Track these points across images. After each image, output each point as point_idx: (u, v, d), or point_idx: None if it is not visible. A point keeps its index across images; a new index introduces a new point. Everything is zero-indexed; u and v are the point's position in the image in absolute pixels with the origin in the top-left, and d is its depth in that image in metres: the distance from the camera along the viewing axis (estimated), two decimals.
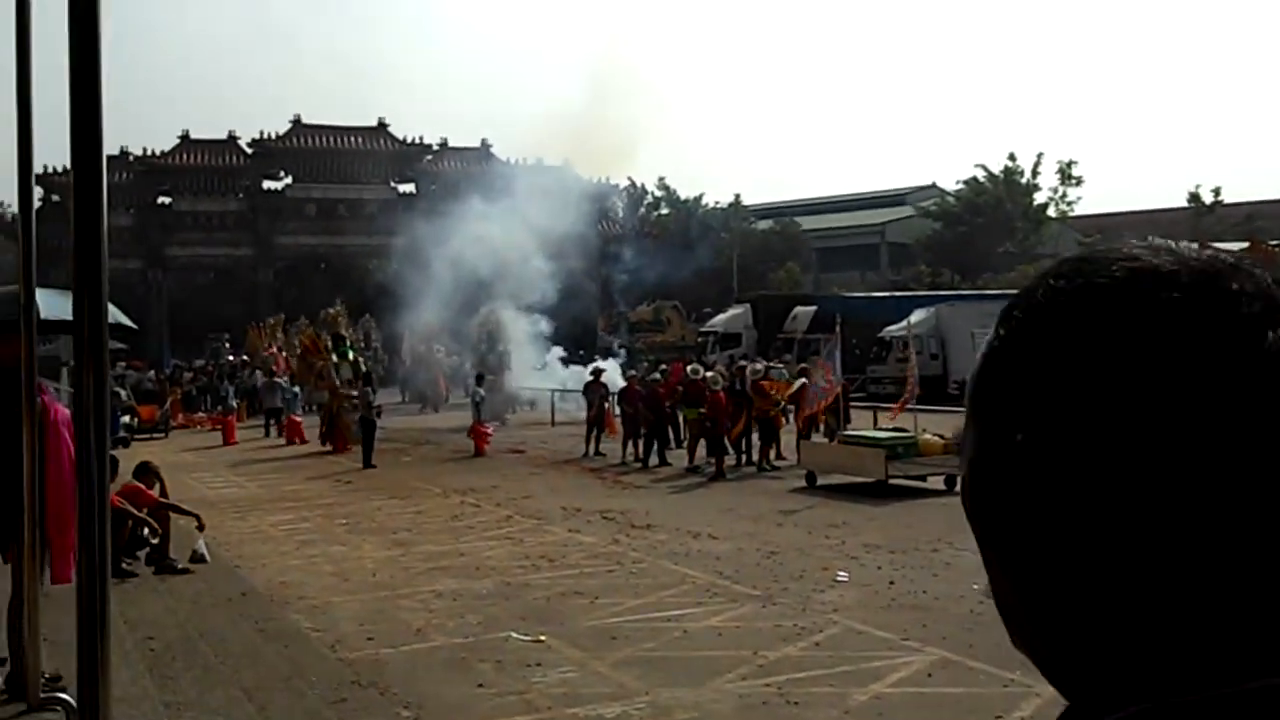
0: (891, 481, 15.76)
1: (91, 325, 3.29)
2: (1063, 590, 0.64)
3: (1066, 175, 53.89)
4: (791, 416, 20.23)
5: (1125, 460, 0.62)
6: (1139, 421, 0.61)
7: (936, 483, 16.15)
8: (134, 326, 7.64)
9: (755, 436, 19.36)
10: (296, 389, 28.18)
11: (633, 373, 24.96)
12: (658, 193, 60.93)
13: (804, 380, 20.33)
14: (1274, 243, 34.90)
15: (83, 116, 3.32)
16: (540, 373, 31.60)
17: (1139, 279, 0.63)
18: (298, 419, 26.24)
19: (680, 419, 20.94)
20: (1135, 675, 0.64)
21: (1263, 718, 0.61)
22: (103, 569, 3.47)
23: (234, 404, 28.60)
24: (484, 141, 52.47)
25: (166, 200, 49.03)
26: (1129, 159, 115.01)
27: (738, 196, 62.80)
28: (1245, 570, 0.62)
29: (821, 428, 20.04)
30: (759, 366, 22.03)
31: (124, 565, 10.65)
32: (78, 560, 3.35)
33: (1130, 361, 0.61)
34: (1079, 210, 55.45)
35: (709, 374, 20.55)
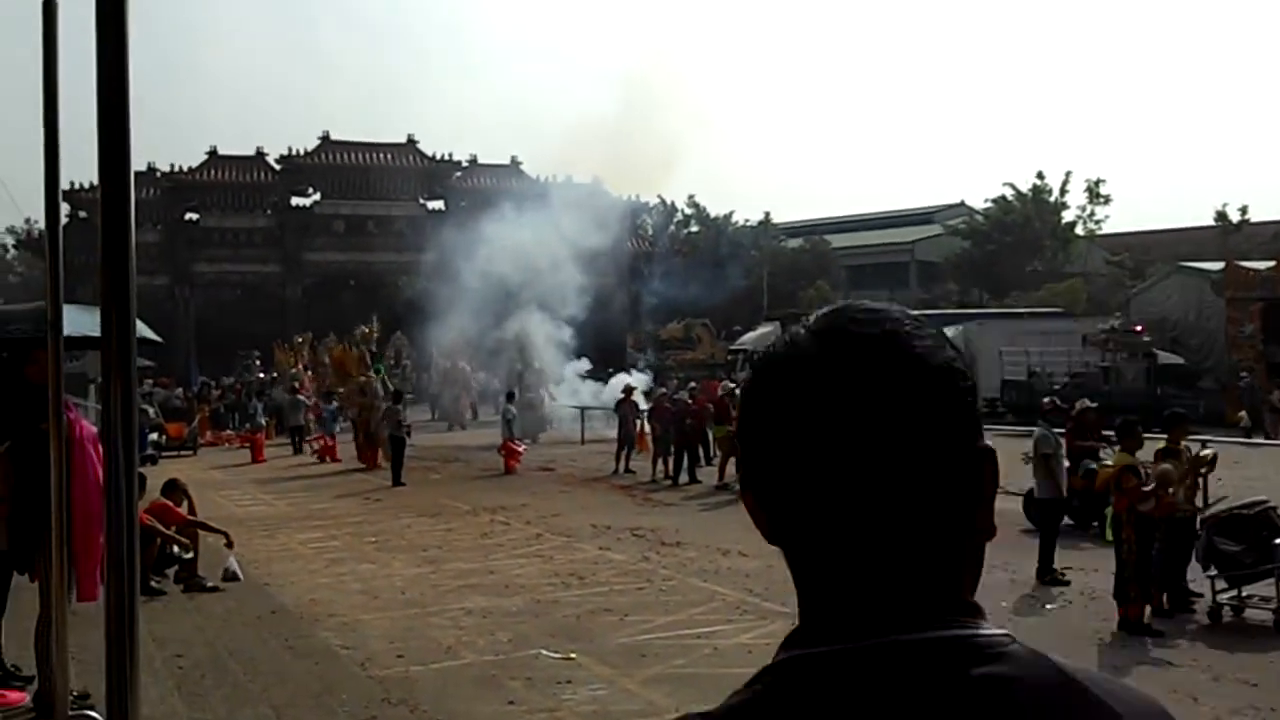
0: None
1: (119, 341, 3.25)
2: (787, 559, 0.95)
3: (1094, 194, 53.55)
4: None
5: (765, 455, 0.93)
6: (787, 442, 0.91)
7: None
8: (159, 340, 7.64)
9: None
10: (332, 407, 28.22)
11: (663, 390, 24.92)
12: (688, 210, 61.04)
13: None
14: None
15: (110, 132, 3.28)
16: (558, 387, 31.51)
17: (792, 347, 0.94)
18: (331, 439, 26.23)
19: (710, 436, 20.88)
20: (806, 627, 0.92)
21: (868, 668, 0.85)
22: (131, 587, 3.41)
23: (262, 421, 28.72)
24: (513, 158, 52.66)
25: (194, 217, 49.30)
26: (1157, 178, 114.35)
27: (768, 214, 62.83)
28: (857, 550, 0.89)
29: None
30: None
31: (153, 583, 10.65)
32: (106, 578, 3.31)
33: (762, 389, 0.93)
34: (1107, 229, 55.12)
35: (738, 392, 20.47)
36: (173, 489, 11.67)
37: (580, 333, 33.35)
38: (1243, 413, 26.58)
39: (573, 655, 8.42)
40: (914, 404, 0.89)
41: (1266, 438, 25.09)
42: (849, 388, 0.88)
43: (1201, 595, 9.58)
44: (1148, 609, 9.07)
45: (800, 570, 0.94)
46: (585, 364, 33.15)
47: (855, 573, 0.89)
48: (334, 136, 50.62)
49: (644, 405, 23.49)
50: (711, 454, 20.85)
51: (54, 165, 4.30)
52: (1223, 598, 9.32)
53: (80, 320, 5.55)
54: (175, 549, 11.11)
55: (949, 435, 0.90)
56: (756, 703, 0.90)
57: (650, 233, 55.79)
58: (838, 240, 63.07)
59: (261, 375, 38.36)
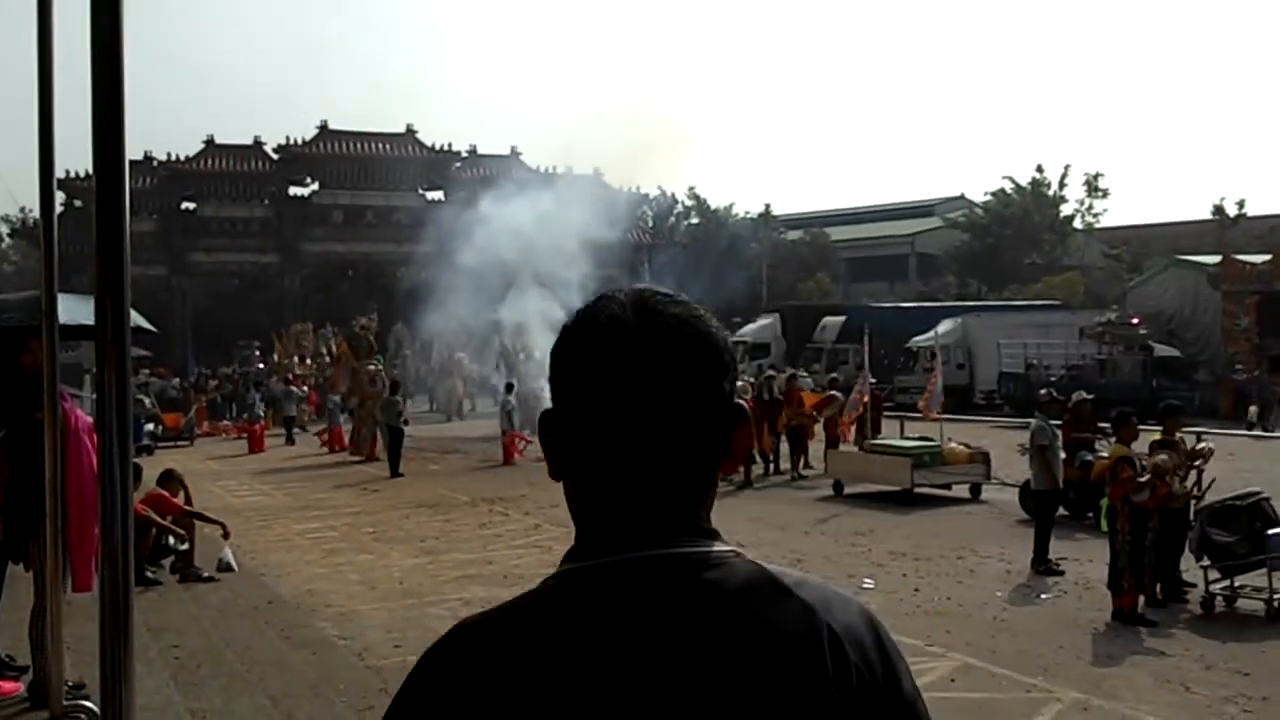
0: (917, 490, 15.70)
1: (114, 330, 3.25)
2: (567, 491, 1.18)
3: (1093, 187, 53.60)
4: (822, 426, 20.13)
5: (558, 405, 1.18)
6: (559, 388, 1.18)
7: (961, 491, 16.09)
8: (153, 330, 7.62)
9: (785, 445, 19.35)
10: (335, 397, 28.21)
11: None
12: (688, 202, 60.88)
13: (834, 393, 20.30)
14: None
15: (105, 120, 3.29)
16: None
17: (578, 315, 1.20)
18: (338, 428, 26.23)
19: None
20: (579, 546, 1.15)
21: (620, 577, 1.09)
22: (125, 577, 3.43)
23: (260, 412, 28.72)
24: (513, 149, 52.55)
25: (191, 206, 49.04)
26: (1155, 171, 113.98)
27: (768, 206, 62.80)
28: (581, 472, 1.16)
29: (852, 437, 19.97)
30: (802, 374, 22.06)
31: (148, 574, 10.65)
32: (100, 568, 3.32)
33: (559, 354, 1.19)
34: (1105, 222, 55.22)
35: (739, 383, 20.56)
36: (169, 479, 11.64)
37: None
38: (1254, 406, 26.65)
39: None
40: (682, 367, 1.13)
41: (1265, 430, 25.16)
42: (635, 353, 1.12)
43: (1195, 585, 9.62)
44: (1141, 599, 9.11)
45: (577, 500, 1.17)
46: None
47: (618, 501, 1.14)
48: (332, 126, 50.45)
49: None
50: None
51: (48, 153, 4.30)
52: (1215, 588, 9.36)
53: (75, 309, 5.55)
54: (171, 540, 11.10)
55: (706, 395, 1.14)
56: (531, 605, 1.12)
57: (651, 224, 55.71)
58: (837, 232, 63.05)
59: (261, 366, 38.30)
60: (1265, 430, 25.36)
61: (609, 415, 1.12)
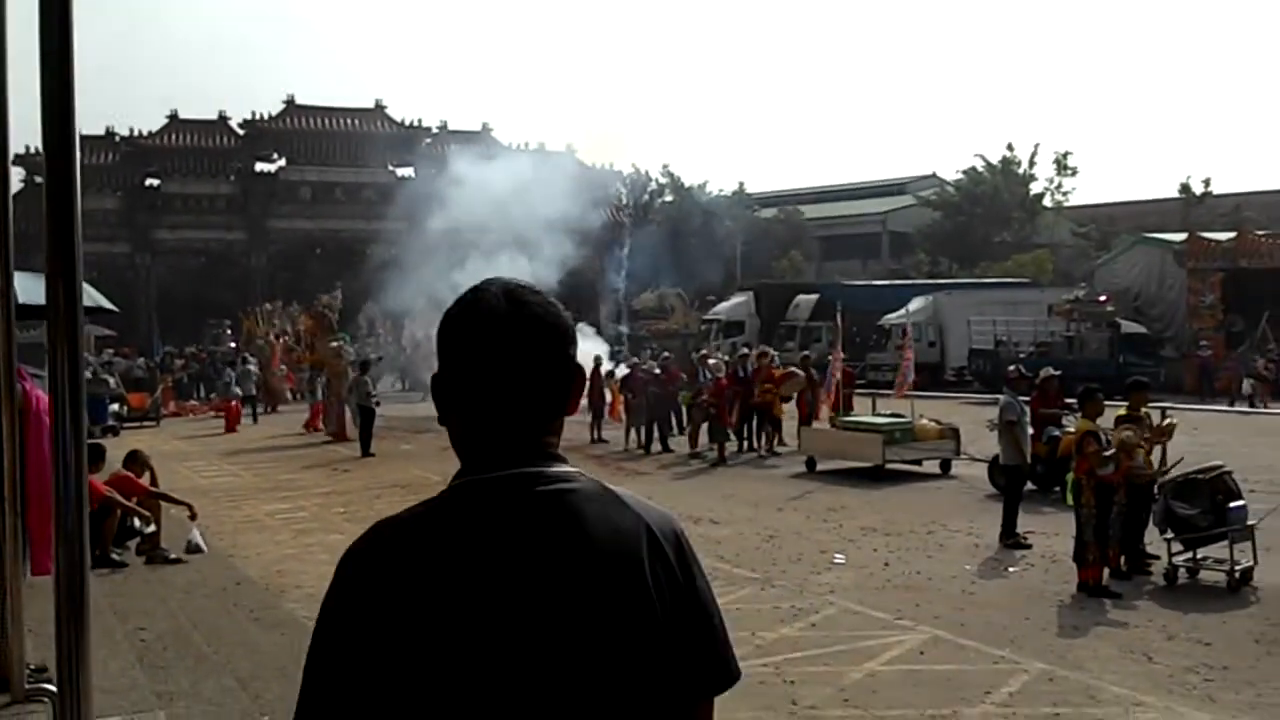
0: (888, 466, 15.80)
1: (66, 309, 3.19)
2: (451, 434, 1.60)
3: (1062, 166, 53.80)
4: (795, 403, 20.17)
5: (446, 369, 1.58)
6: (443, 347, 1.58)
7: (932, 467, 16.22)
8: (115, 309, 7.51)
9: (757, 423, 19.41)
10: (305, 374, 27.92)
11: (635, 360, 24.91)
12: (662, 180, 60.63)
13: (794, 370, 20.33)
14: (1261, 232, 34.95)
15: (54, 93, 3.20)
16: None
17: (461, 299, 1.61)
18: (318, 405, 26.06)
19: (683, 406, 20.95)
20: (461, 470, 1.55)
21: (484, 490, 1.50)
22: (82, 558, 3.37)
23: (238, 390, 28.44)
24: (485, 125, 52.12)
25: (155, 182, 48.20)
26: (1123, 151, 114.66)
27: (741, 184, 62.67)
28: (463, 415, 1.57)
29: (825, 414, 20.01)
30: (772, 352, 22.04)
31: (114, 555, 10.56)
32: (56, 550, 3.27)
33: (449, 331, 1.59)
34: (1074, 200, 55.41)
35: (712, 360, 20.63)
36: (134, 460, 11.50)
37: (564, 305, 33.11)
38: (1246, 380, 27.02)
39: None
40: (540, 341, 1.56)
41: (1251, 406, 25.44)
42: (500, 327, 1.55)
43: (1158, 558, 9.75)
44: (1106, 571, 9.22)
45: (461, 437, 1.58)
46: None
47: (492, 436, 1.55)
48: (299, 101, 49.86)
49: (606, 372, 23.62)
50: (684, 423, 20.89)
51: (3, 129, 4.21)
52: (1179, 560, 9.49)
53: (34, 288, 5.44)
54: (136, 521, 10.99)
55: (556, 360, 1.58)
56: (430, 509, 1.53)
57: (624, 201, 55.49)
58: (811, 211, 63.05)
59: (233, 345, 37.92)
60: (1250, 405, 25.68)
61: (488, 375, 1.54)
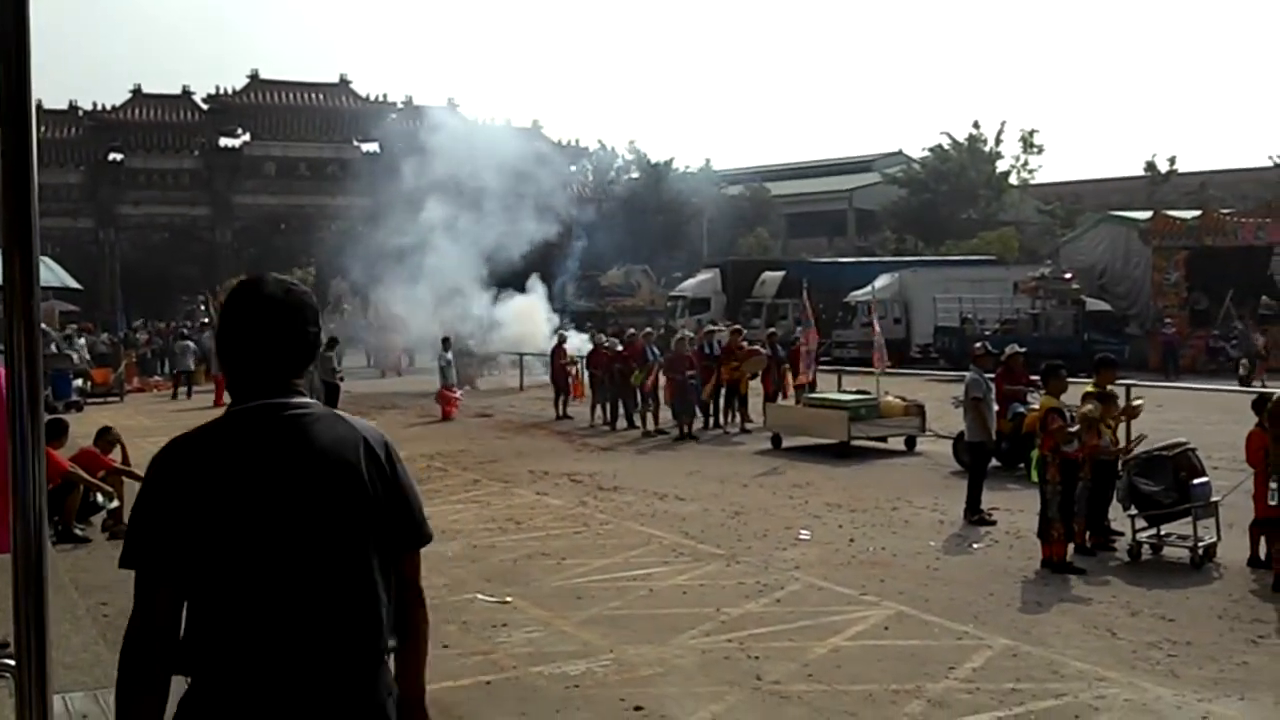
0: (854, 443, 15.87)
1: (23, 284, 3.11)
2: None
3: (1028, 144, 54.10)
4: (760, 380, 20.20)
5: (227, 333, 2.45)
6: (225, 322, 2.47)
7: (897, 443, 16.32)
8: (79, 287, 7.38)
9: (724, 400, 19.43)
10: None
11: (600, 336, 24.86)
12: (628, 156, 60.39)
13: (758, 348, 20.33)
14: (1225, 211, 35.29)
15: (10, 64, 3.12)
16: (495, 332, 31.05)
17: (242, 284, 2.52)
18: None
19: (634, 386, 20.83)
20: (231, 402, 2.45)
21: (243, 415, 2.38)
22: (39, 534, 3.31)
23: (190, 365, 28.05)
24: (450, 100, 51.63)
25: (118, 157, 47.54)
26: (1088, 129, 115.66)
27: (708, 161, 62.59)
28: (235, 365, 2.44)
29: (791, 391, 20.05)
30: (743, 330, 22.04)
31: (77, 531, 10.46)
32: (12, 526, 3.20)
33: (234, 306, 2.45)
34: (1039, 178, 55.78)
35: (678, 336, 20.59)
36: (103, 437, 11.41)
37: (519, 278, 32.96)
38: (1245, 359, 27.23)
39: (509, 599, 8.45)
40: (297, 317, 2.41)
41: (1244, 382, 25.57)
42: (274, 305, 2.39)
43: (1122, 534, 9.86)
44: (1070, 547, 9.31)
45: (232, 381, 2.40)
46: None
47: (251, 376, 2.37)
48: (264, 75, 49.21)
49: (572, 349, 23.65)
50: (647, 400, 20.85)
51: None
52: (1142, 536, 9.60)
53: None
54: (99, 497, 10.87)
55: (304, 331, 2.41)
56: (211, 428, 2.36)
57: (590, 178, 55.24)
58: (777, 188, 63.08)
59: (206, 321, 37.51)
60: (1244, 381, 25.87)
61: (259, 337, 2.37)
